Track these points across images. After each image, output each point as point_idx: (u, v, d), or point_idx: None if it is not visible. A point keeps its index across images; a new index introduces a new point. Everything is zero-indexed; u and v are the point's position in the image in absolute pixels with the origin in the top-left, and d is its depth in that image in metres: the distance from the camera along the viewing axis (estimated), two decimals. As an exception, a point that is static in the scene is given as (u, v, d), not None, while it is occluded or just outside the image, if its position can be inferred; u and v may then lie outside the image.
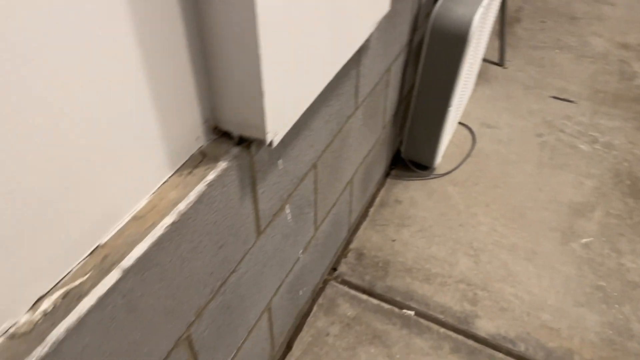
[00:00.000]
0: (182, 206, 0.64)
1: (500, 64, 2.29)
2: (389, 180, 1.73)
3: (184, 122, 0.67)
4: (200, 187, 0.67)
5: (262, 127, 0.70)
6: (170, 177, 0.68)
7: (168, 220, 0.62)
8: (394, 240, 1.52)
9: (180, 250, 0.66)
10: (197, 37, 0.63)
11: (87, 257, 0.58)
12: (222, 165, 0.70)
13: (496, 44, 2.32)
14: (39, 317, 0.52)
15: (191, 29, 0.62)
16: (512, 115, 2.00)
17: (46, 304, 0.53)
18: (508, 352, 1.24)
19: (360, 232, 1.55)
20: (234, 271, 0.83)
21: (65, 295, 0.54)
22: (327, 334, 1.29)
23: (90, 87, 0.50)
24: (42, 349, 0.49)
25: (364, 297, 1.37)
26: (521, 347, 1.25)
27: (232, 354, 0.94)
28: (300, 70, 0.74)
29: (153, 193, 0.66)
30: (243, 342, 0.97)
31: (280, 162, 0.87)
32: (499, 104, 2.06)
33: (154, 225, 0.62)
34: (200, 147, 0.73)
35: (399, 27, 1.29)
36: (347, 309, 1.34)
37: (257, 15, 0.59)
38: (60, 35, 0.45)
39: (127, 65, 0.54)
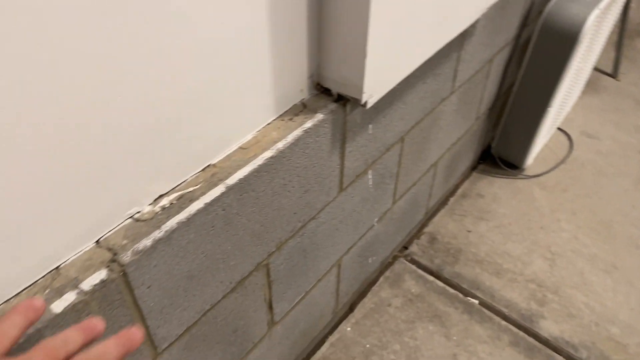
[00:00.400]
0: (280, 145, 0.74)
1: (613, 75, 2.18)
2: (475, 173, 1.74)
3: (292, 73, 0.76)
4: (298, 132, 0.76)
5: (359, 86, 0.77)
6: (273, 120, 0.78)
7: (267, 154, 0.72)
8: (469, 231, 1.54)
9: (273, 184, 0.76)
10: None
11: (199, 172, 0.69)
12: (319, 117, 0.79)
13: (612, 54, 2.20)
14: (158, 209, 0.64)
15: (312, -9, 0.70)
16: (617, 128, 1.91)
17: (165, 201, 0.64)
18: (568, 357, 1.23)
19: (436, 218, 1.58)
20: (313, 218, 0.92)
21: (179, 198, 0.65)
22: (389, 305, 1.35)
23: (223, 20, 0.60)
24: (158, 233, 0.61)
25: (431, 278, 1.41)
26: (583, 355, 1.23)
27: (301, 295, 1.04)
28: (403, 40, 0.80)
29: (258, 130, 0.76)
30: (311, 289, 1.07)
31: (370, 126, 0.94)
32: (605, 116, 1.97)
33: (255, 156, 0.72)
34: (303, 99, 0.81)
35: (508, 18, 1.30)
36: (411, 286, 1.39)
37: (371, -18, 0.66)
38: (210, -21, 0.55)
39: (256, 6, 0.63)
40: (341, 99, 0.82)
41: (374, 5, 0.68)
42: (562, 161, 1.78)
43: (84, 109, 0.50)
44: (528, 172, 1.74)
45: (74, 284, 0.55)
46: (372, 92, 0.80)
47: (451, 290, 1.38)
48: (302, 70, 0.78)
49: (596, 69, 2.20)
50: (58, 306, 0.53)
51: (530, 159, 1.70)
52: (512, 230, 1.55)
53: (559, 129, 1.91)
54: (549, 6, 1.36)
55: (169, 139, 0.61)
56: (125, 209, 0.61)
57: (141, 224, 0.62)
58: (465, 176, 1.72)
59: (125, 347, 0.39)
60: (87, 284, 0.55)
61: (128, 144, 0.56)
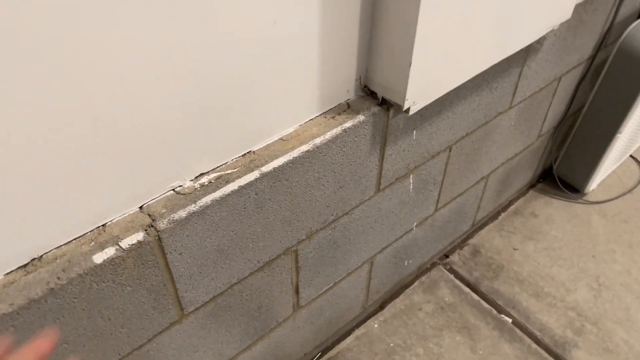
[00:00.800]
0: (317, 140, 0.78)
1: None
2: (532, 191, 1.69)
3: (339, 74, 0.80)
4: (337, 130, 0.80)
5: (402, 93, 0.80)
6: (317, 117, 0.82)
7: (304, 147, 0.77)
8: (515, 249, 1.51)
9: (307, 176, 0.81)
10: (369, 3, 0.75)
11: (240, 156, 0.75)
12: (360, 118, 0.82)
13: None
14: (197, 186, 0.70)
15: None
16: (701, 163, 1.78)
17: (204, 179, 0.71)
18: (597, 392, 1.19)
19: (483, 232, 1.57)
20: (347, 213, 0.96)
21: (218, 178, 0.72)
22: (420, 309, 1.36)
23: (275, 16, 0.65)
24: (193, 207, 0.68)
25: (466, 289, 1.41)
26: (613, 393, 1.19)
27: (329, 285, 1.08)
28: (453, 53, 0.82)
29: (301, 125, 0.81)
30: (340, 280, 1.11)
31: (414, 132, 0.96)
32: (689, 148, 1.84)
33: (292, 148, 0.77)
34: (348, 99, 0.85)
35: (582, 38, 1.25)
36: (446, 294, 1.40)
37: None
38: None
39: (307, 10, 0.67)
40: (385, 103, 0.85)
41: (422, 17, 0.70)
42: (629, 191, 1.69)
43: (149, 88, 0.57)
44: (589, 197, 1.67)
45: (115, 240, 0.63)
46: (415, 99, 0.82)
47: (485, 305, 1.37)
48: (350, 71, 0.81)
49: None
50: (98, 258, 0.61)
51: (594, 184, 1.63)
52: (561, 254, 1.50)
53: (633, 157, 1.81)
54: (629, 29, 1.30)
55: (214, 124, 0.67)
56: (169, 182, 0.68)
57: (180, 197, 0.69)
58: (522, 193, 1.68)
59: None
60: (126, 243, 0.63)
61: (178, 123, 0.63)
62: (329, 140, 0.80)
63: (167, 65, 0.57)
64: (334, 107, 0.84)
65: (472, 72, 0.90)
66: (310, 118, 0.82)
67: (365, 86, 0.86)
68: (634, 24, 1.31)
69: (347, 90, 0.84)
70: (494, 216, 1.61)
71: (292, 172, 0.78)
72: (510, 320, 1.34)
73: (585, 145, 1.54)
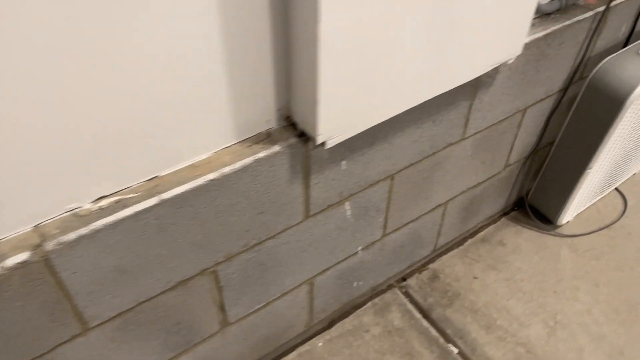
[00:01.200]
0: (226, 169, 0.80)
1: None
2: (504, 219, 1.67)
3: (256, 104, 0.81)
4: (248, 160, 0.81)
5: (314, 129, 0.80)
6: (233, 144, 0.84)
7: (211, 176, 0.78)
8: (475, 277, 1.50)
9: (216, 202, 0.82)
10: (282, 40, 0.75)
11: (145, 181, 0.77)
12: (276, 148, 0.83)
13: None
14: (96, 208, 0.73)
15: (278, 35, 0.74)
16: (688, 203, 1.71)
17: (104, 202, 0.74)
18: None
19: (446, 257, 1.55)
20: (272, 237, 0.97)
21: (117, 202, 0.74)
22: (367, 331, 1.37)
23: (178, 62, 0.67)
24: (83, 230, 0.70)
25: (418, 315, 1.40)
26: None
27: (261, 304, 1.10)
28: (369, 91, 0.82)
29: (215, 152, 0.82)
30: (274, 299, 1.12)
31: (343, 163, 0.97)
32: (678, 186, 1.77)
33: (199, 175, 0.79)
34: (270, 128, 0.86)
35: (547, 72, 1.22)
36: (396, 318, 1.39)
37: (318, 38, 0.69)
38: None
39: (211, 54, 0.69)
40: (305, 135, 0.86)
41: (323, 55, 0.71)
42: (607, 226, 1.64)
43: (42, 111, 0.59)
44: (563, 229, 1.63)
45: (2, 258, 0.66)
46: (331, 134, 0.83)
47: (434, 333, 1.36)
48: (268, 102, 0.82)
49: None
50: (-19, 275, 0.65)
51: (567, 217, 1.59)
52: (521, 286, 1.47)
53: (618, 190, 1.76)
54: (602, 63, 1.26)
55: (116, 148, 0.70)
56: (67, 204, 0.71)
57: (75, 219, 0.71)
58: (493, 220, 1.66)
59: None
60: (11, 261, 0.66)
61: (78, 146, 0.66)
62: (239, 170, 0.81)
63: (64, 87, 0.60)
64: (253, 135, 0.85)
65: (398, 109, 0.89)
66: (227, 145, 0.83)
67: (288, 116, 0.87)
68: (607, 58, 1.27)
69: (267, 120, 0.85)
70: (460, 242, 1.59)
71: (198, 199, 0.79)
72: (456, 351, 1.33)
73: (557, 177, 1.51)
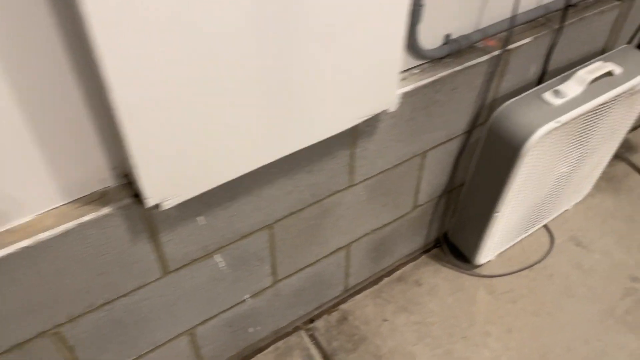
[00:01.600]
0: (43, 235, 0.76)
1: (643, 176, 1.90)
2: (424, 257, 1.63)
3: (84, 165, 0.77)
4: (70, 225, 0.77)
5: (142, 191, 0.76)
6: (63, 205, 0.80)
7: (24, 243, 0.74)
8: (385, 320, 1.45)
9: (38, 268, 0.78)
10: (100, 101, 0.72)
11: (-46, 247, 0.73)
12: (105, 210, 0.79)
13: (649, 151, 1.92)
14: None
15: (91, 96, 0.71)
16: (618, 242, 1.67)
17: None
18: None
19: (359, 297, 1.51)
20: (125, 295, 0.93)
21: None
22: (265, 378, 1.32)
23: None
24: None
25: (320, 361, 1.36)
26: None
27: (132, 358, 1.05)
28: (194, 157, 0.77)
29: (39, 214, 0.78)
30: (148, 352, 1.08)
31: (201, 218, 0.93)
32: (611, 224, 1.73)
33: (15, 241, 0.74)
34: (107, 187, 0.83)
35: (443, 116, 1.19)
36: (297, 364, 1.35)
37: (117, 108, 0.65)
38: None
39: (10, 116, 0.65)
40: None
41: (126, 120, 0.67)
42: (529, 266, 1.61)
43: None
44: (483, 269, 1.59)
45: None
46: (164, 196, 0.79)
47: (334, 381, 1.32)
48: (98, 161, 0.78)
49: (630, 163, 1.93)
50: None
51: (486, 257, 1.56)
52: (431, 331, 1.43)
53: (547, 227, 1.72)
54: (500, 108, 1.23)
55: None
56: None
57: None
58: (413, 258, 1.62)
59: None
60: None
61: None
62: (62, 235, 0.77)
63: None
64: (87, 195, 0.81)
65: (239, 171, 0.85)
66: (54, 207, 0.79)
67: (127, 174, 0.83)
68: (507, 103, 1.24)
69: (102, 179, 0.81)
70: (375, 281, 1.55)
71: (13, 267, 0.75)
72: (353, 401, 1.28)
73: (471, 217, 1.47)
